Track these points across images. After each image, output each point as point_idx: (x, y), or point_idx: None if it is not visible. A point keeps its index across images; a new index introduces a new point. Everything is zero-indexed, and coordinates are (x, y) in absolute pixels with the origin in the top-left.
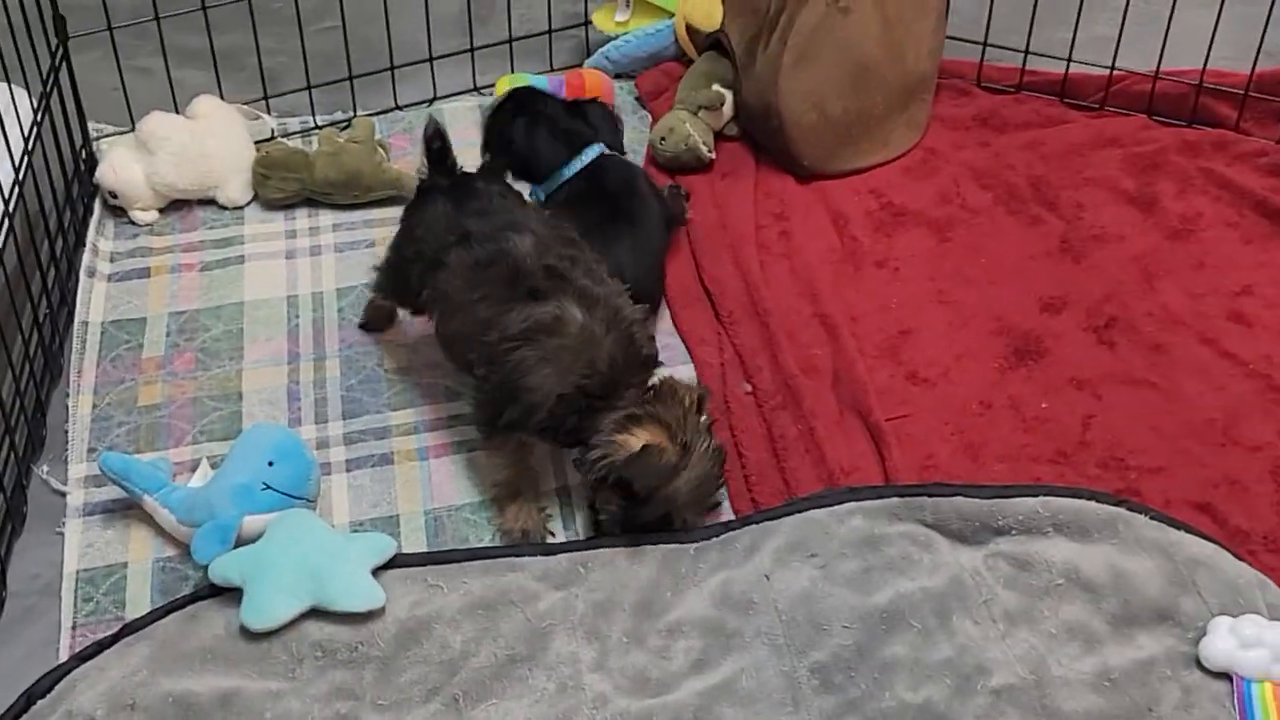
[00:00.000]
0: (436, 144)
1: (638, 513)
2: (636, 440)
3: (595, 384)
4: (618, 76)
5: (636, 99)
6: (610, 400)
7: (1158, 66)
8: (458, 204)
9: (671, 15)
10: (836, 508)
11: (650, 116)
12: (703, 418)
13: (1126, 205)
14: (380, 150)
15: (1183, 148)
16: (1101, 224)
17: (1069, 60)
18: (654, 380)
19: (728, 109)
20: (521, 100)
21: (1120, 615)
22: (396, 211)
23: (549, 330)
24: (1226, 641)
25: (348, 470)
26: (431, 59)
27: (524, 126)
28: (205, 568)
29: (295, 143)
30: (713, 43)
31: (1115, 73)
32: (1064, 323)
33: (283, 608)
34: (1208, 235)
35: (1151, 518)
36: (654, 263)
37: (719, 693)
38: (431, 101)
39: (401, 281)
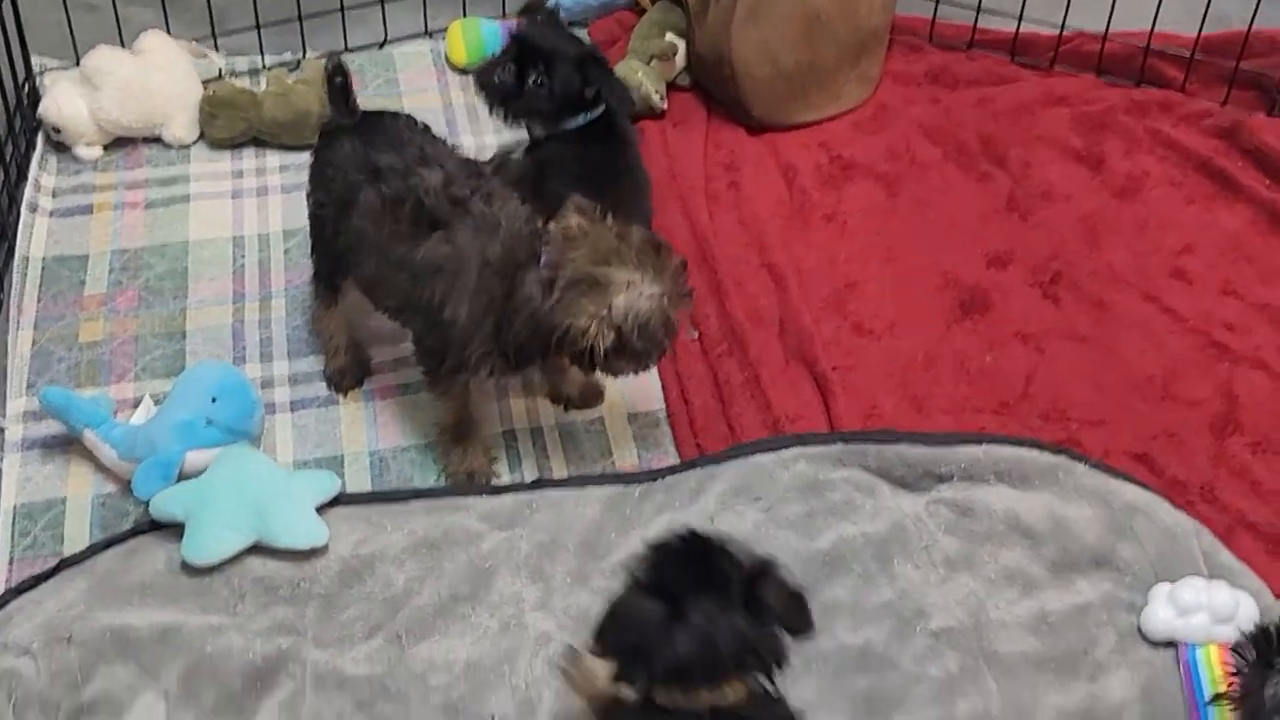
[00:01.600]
0: (339, 80)
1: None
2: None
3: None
4: (571, 24)
5: None
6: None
7: (1107, 27)
8: (366, 141)
9: None
10: (782, 452)
11: None
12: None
13: (1074, 163)
14: None
15: (1130, 108)
16: (1049, 181)
17: (1020, 19)
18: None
19: (680, 59)
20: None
21: (1059, 561)
22: None
23: (448, 262)
24: (1166, 611)
25: (292, 410)
26: (383, 1)
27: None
28: (146, 503)
29: (243, 83)
30: None
31: (1065, 33)
32: (1010, 278)
33: (225, 543)
34: (1153, 195)
35: (1091, 466)
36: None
37: None
38: (383, 44)
39: (322, 240)
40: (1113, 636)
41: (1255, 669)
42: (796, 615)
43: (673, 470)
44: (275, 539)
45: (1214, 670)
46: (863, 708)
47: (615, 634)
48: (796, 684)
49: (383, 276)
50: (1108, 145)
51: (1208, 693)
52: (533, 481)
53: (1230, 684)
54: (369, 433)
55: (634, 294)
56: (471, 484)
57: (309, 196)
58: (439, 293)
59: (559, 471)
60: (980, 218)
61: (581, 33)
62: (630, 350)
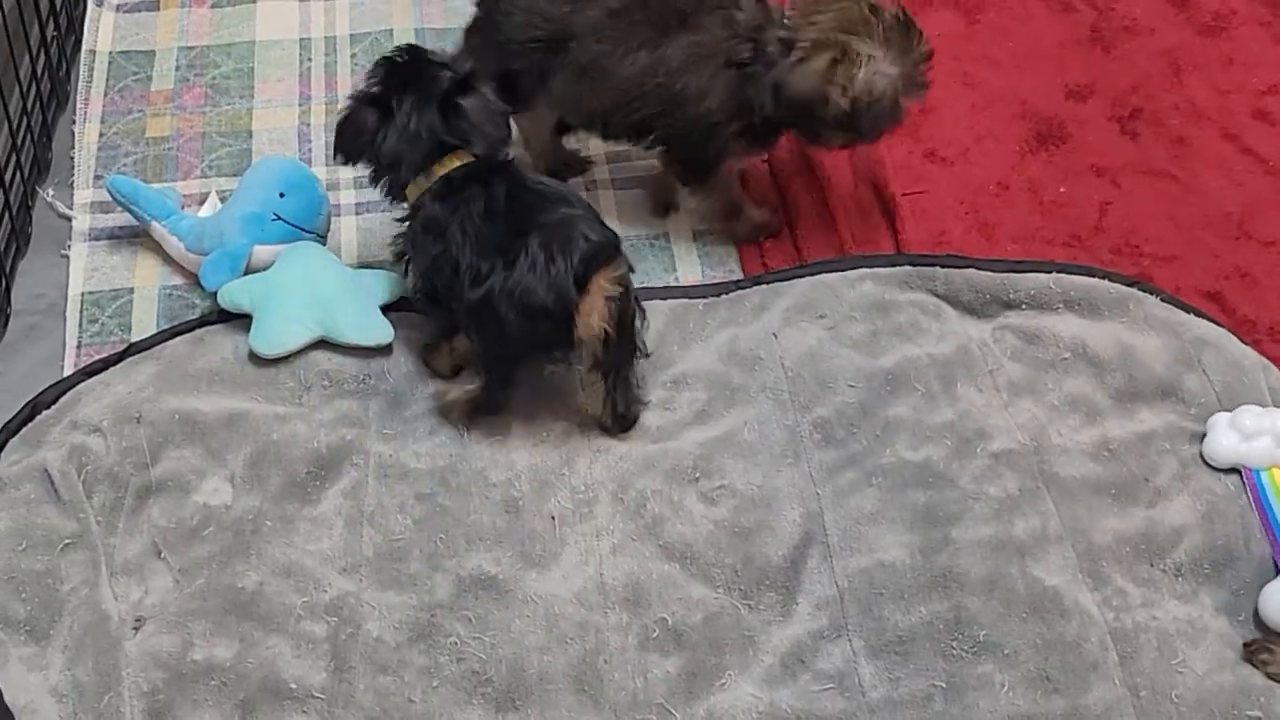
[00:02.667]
0: None
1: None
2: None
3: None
4: None
5: None
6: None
7: None
8: None
9: None
10: (848, 273)
11: None
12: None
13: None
14: None
15: None
16: (1133, 15)
17: None
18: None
19: None
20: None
21: (1124, 390)
22: None
23: (699, 49)
24: (1229, 437)
25: (357, 214)
26: None
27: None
28: (213, 295)
29: None
30: None
31: None
32: (1088, 110)
33: (292, 336)
34: (1239, 32)
35: (1163, 299)
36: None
37: (720, 443)
38: None
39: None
40: (1174, 464)
41: None
42: (491, 124)
43: (738, 285)
44: (341, 335)
45: None
46: (921, 521)
47: (341, 141)
48: (857, 494)
49: (628, 90)
50: None
51: (1278, 510)
52: None
53: None
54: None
55: (871, 70)
56: None
57: (488, 57)
58: (693, 84)
59: None
60: (1061, 48)
61: None
62: (854, 125)
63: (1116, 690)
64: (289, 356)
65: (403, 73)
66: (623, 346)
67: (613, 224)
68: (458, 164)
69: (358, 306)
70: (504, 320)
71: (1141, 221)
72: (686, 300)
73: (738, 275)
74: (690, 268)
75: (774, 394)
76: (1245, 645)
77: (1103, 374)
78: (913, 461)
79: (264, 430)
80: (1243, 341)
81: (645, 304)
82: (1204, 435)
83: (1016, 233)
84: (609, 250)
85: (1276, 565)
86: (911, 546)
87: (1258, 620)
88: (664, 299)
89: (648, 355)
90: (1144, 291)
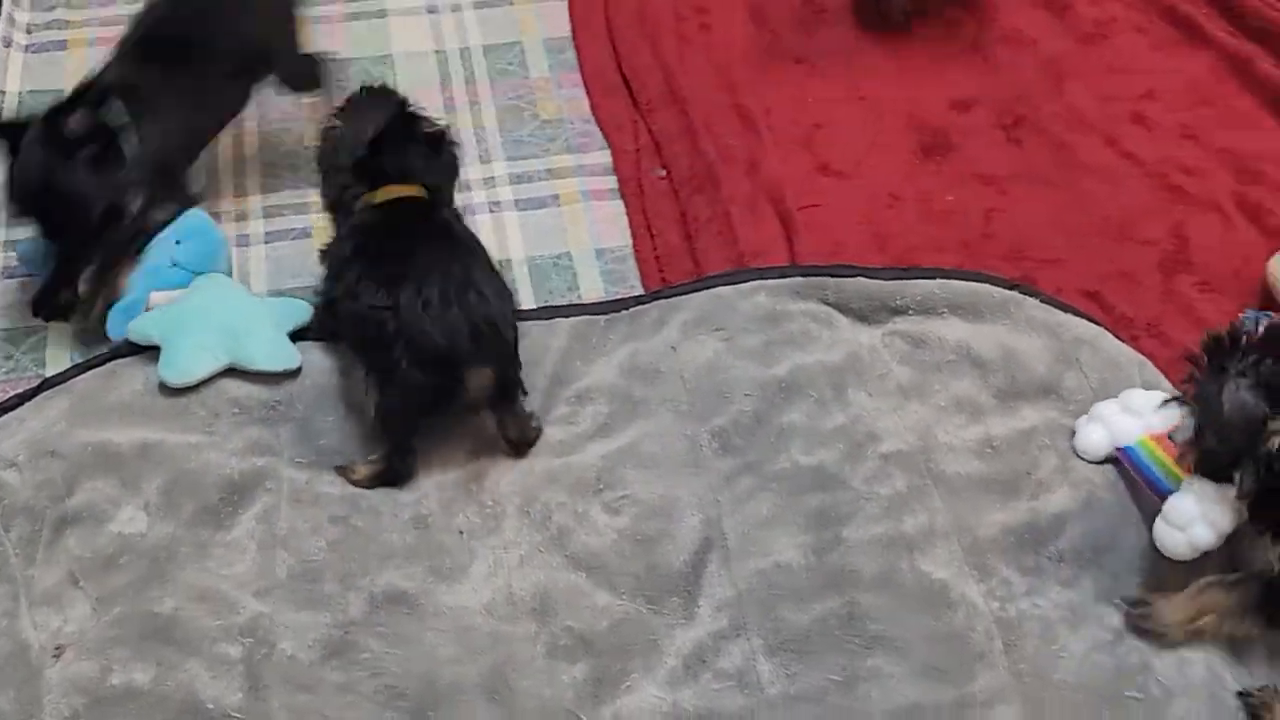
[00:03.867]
0: None
1: None
2: None
3: None
4: None
5: None
6: None
7: None
8: None
9: None
10: (742, 285)
11: None
12: None
13: (1040, 8)
14: None
15: None
16: (1015, 25)
17: None
18: None
19: None
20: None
21: (1006, 389)
22: None
23: None
24: (1096, 431)
25: (267, 242)
26: None
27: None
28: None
29: None
30: None
31: None
32: (974, 120)
33: (200, 363)
34: (1118, 40)
35: (1042, 301)
36: None
37: (622, 455)
38: None
39: None
40: (1055, 458)
41: (1209, 373)
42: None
43: (638, 300)
44: (249, 362)
45: (1155, 452)
46: (815, 522)
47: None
48: (753, 500)
49: None
50: None
51: (1159, 473)
52: None
53: (1183, 390)
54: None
55: None
56: None
57: None
58: None
59: (527, 304)
60: (945, 60)
61: None
62: None
63: (1002, 677)
64: (198, 385)
65: (368, 100)
66: (504, 394)
67: (516, 245)
68: (395, 196)
69: (265, 333)
70: (397, 366)
71: (1026, 226)
72: (589, 317)
73: (638, 291)
74: (592, 285)
75: (674, 406)
76: (1243, 696)
77: (986, 375)
78: (807, 466)
79: (177, 459)
80: (1120, 339)
81: (549, 322)
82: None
83: (908, 242)
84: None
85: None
86: (806, 547)
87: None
88: (567, 317)
89: (525, 394)
90: (1025, 294)
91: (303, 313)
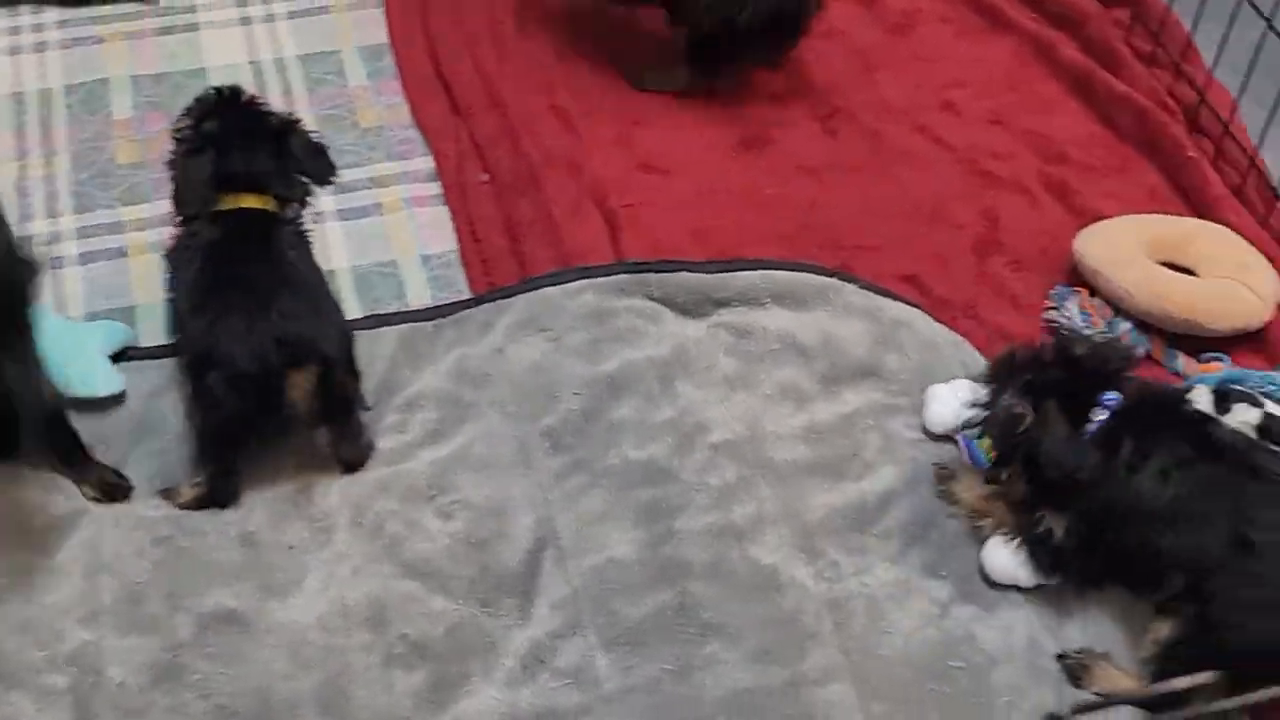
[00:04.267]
0: None
1: None
2: None
3: None
4: None
5: None
6: None
7: None
8: None
9: None
10: (568, 285)
11: None
12: None
13: (850, 2)
14: None
15: None
16: (826, 20)
17: None
18: None
19: None
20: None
21: (829, 375)
22: (125, 8)
23: None
24: (949, 405)
25: (82, 264)
26: None
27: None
28: None
29: None
30: None
31: None
32: (791, 113)
33: None
34: (924, 30)
35: (861, 286)
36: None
37: (453, 460)
38: None
39: None
40: (879, 439)
41: (994, 390)
42: (316, 161)
43: (464, 305)
44: (72, 389)
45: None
46: (646, 516)
47: (183, 183)
48: (585, 497)
49: None
50: None
51: None
52: None
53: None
54: (161, 283)
55: None
56: None
57: None
58: None
59: (354, 313)
60: None
61: None
62: None
63: (832, 655)
64: None
65: (220, 109)
66: (335, 410)
67: (340, 255)
68: (242, 205)
69: (83, 359)
70: (210, 387)
71: (844, 215)
72: (416, 324)
73: (465, 295)
74: (419, 292)
75: (503, 408)
76: (1062, 659)
77: (809, 361)
78: (637, 460)
79: None
80: (937, 320)
81: (376, 331)
82: (905, 409)
83: (730, 235)
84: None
85: None
86: (638, 541)
87: (971, 576)
88: (394, 324)
89: (368, 408)
90: (843, 280)
91: (123, 335)
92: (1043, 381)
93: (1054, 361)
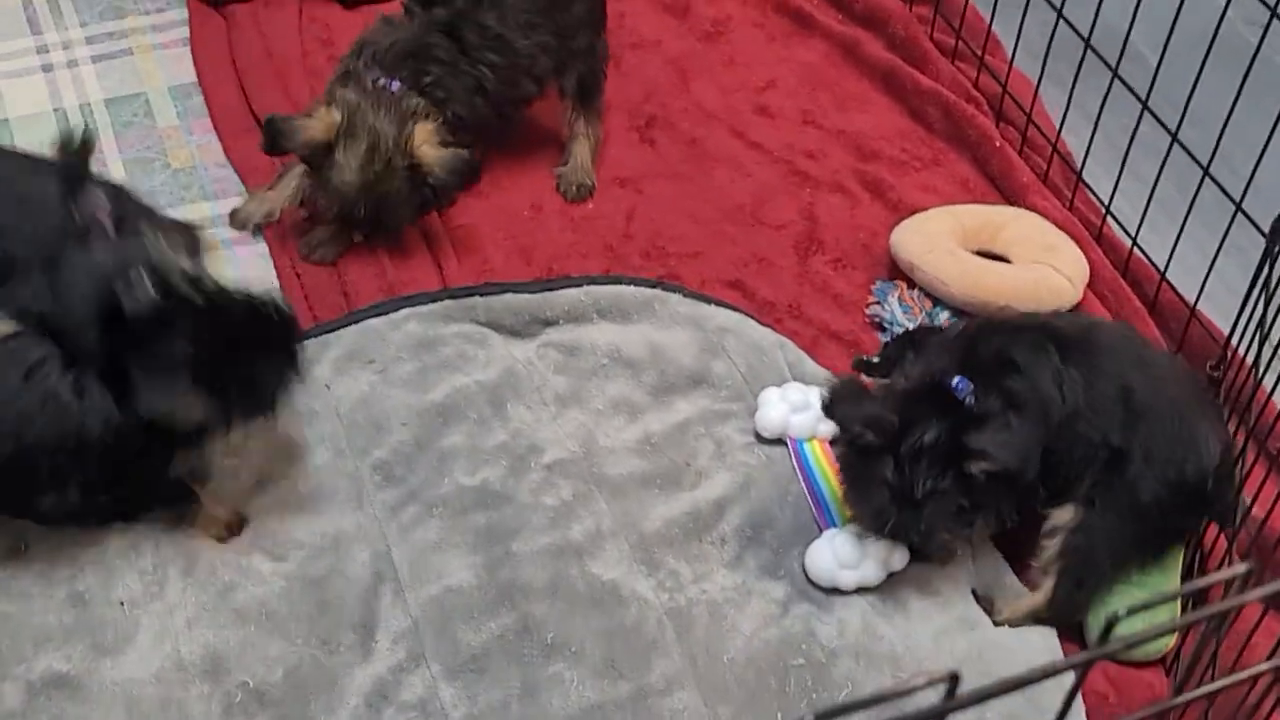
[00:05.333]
0: None
1: None
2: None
3: None
4: None
5: None
6: None
7: None
8: None
9: None
10: (393, 315)
11: None
12: None
13: (663, 13)
14: None
15: None
16: (640, 31)
17: None
18: None
19: None
20: None
21: (659, 385)
22: None
23: None
24: (778, 409)
25: None
26: None
27: None
28: None
29: None
30: None
31: None
32: (608, 124)
33: None
34: (736, 36)
35: (685, 295)
36: None
37: (282, 501)
38: None
39: None
40: (711, 445)
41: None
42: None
43: None
44: None
45: (819, 458)
46: (484, 541)
47: None
48: (420, 527)
49: None
50: None
51: (819, 478)
52: None
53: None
54: None
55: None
56: None
57: None
58: None
59: None
60: None
61: None
62: None
63: (677, 664)
64: None
65: None
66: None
67: None
68: None
69: None
70: None
71: (666, 223)
72: None
73: None
74: None
75: (332, 443)
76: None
77: (638, 374)
78: (470, 486)
79: None
80: (762, 323)
81: None
82: (739, 413)
83: (553, 251)
84: None
85: (818, 525)
86: (476, 567)
87: (804, 576)
88: None
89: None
90: (667, 290)
91: None
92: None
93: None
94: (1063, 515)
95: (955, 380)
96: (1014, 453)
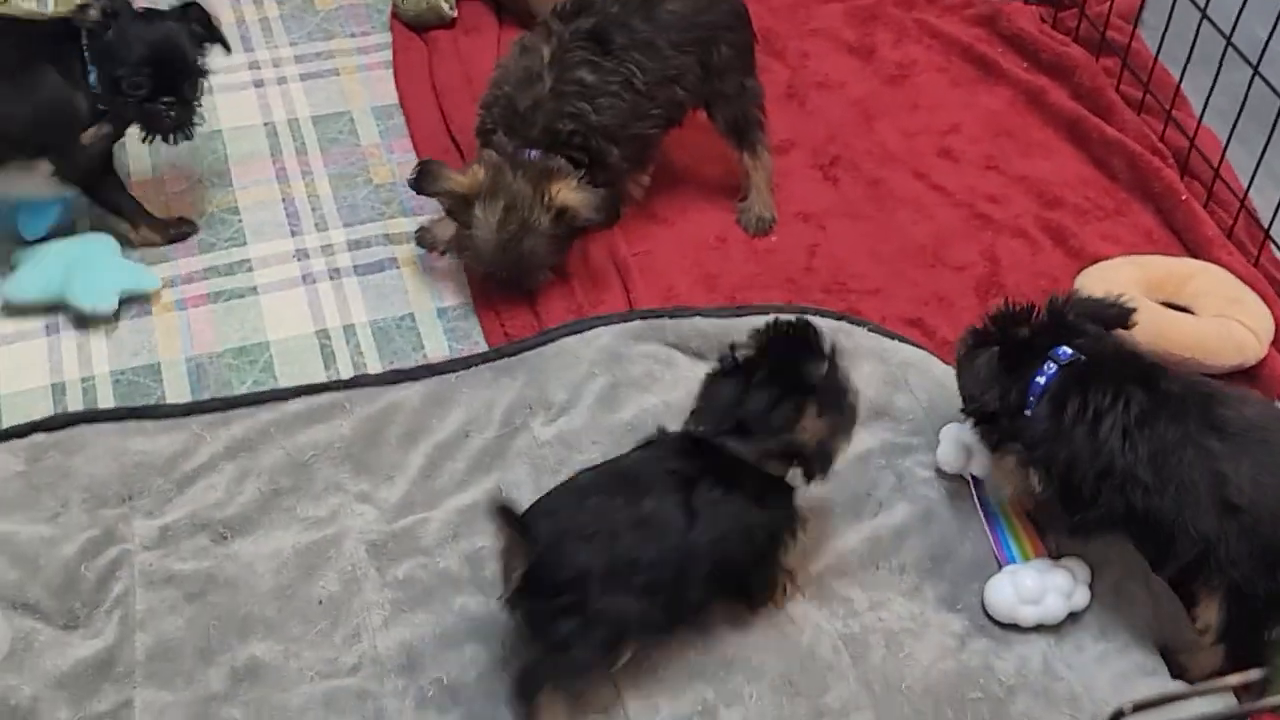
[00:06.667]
0: None
1: None
2: None
3: None
4: None
5: None
6: None
7: None
8: None
9: None
10: (586, 334)
11: None
12: None
13: (847, 54)
14: None
15: (898, 1)
16: (824, 71)
17: None
18: None
19: None
20: None
21: None
22: None
23: None
24: (960, 446)
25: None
26: None
27: None
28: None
29: None
30: None
31: None
32: (792, 161)
33: (32, 289)
34: (920, 80)
35: (870, 330)
36: None
37: (479, 509)
38: None
39: None
40: (892, 478)
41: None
42: None
43: (483, 358)
44: (73, 298)
45: (1013, 523)
46: None
47: None
48: None
49: None
50: (878, 36)
51: (999, 515)
52: (349, 379)
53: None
54: (184, 339)
55: None
56: (289, 388)
57: None
58: None
59: (373, 367)
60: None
61: None
62: None
63: (853, 688)
64: (50, 476)
65: None
66: None
67: (359, 310)
68: None
69: (95, 277)
70: None
71: (847, 259)
72: (439, 376)
73: (483, 347)
74: (437, 344)
75: (530, 458)
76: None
77: None
78: None
79: (30, 555)
80: (943, 361)
81: (399, 386)
82: (918, 448)
83: (737, 280)
84: None
85: (998, 561)
86: None
87: (982, 610)
88: (415, 379)
89: None
90: (852, 324)
91: (146, 282)
92: (992, 330)
93: (1035, 318)
94: (1207, 614)
95: (1062, 349)
96: (974, 384)
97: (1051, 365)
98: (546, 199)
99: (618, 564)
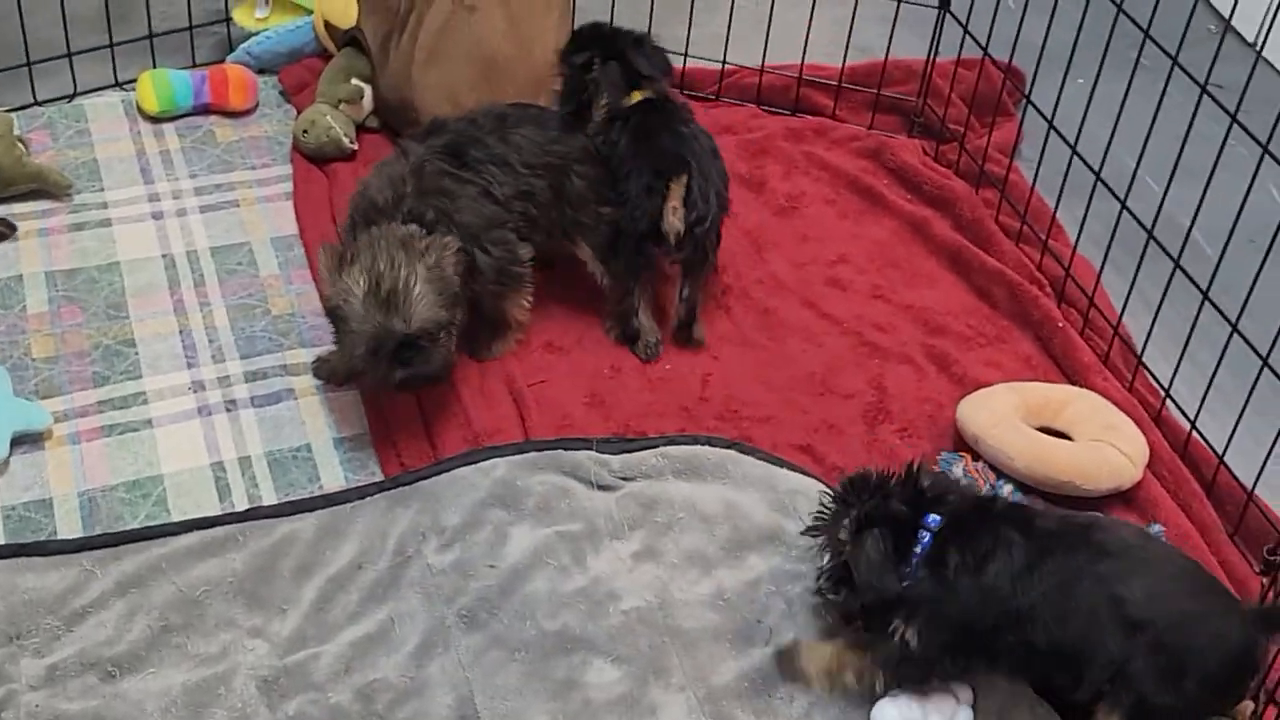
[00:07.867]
0: None
1: None
2: None
3: None
4: (260, 72)
5: (280, 93)
6: None
7: (763, 61)
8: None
9: (310, 12)
10: (482, 464)
11: (294, 110)
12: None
13: (740, 186)
14: (20, 145)
15: (787, 134)
16: None
17: (685, 55)
18: None
19: (367, 102)
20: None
21: (732, 540)
22: (37, 205)
23: None
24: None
25: None
26: (70, 55)
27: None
28: None
29: None
30: (350, 39)
31: (727, 67)
32: None
33: None
34: (809, 211)
35: (758, 458)
36: None
37: (371, 641)
38: (72, 97)
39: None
40: (780, 604)
41: (836, 511)
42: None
43: (379, 487)
44: None
45: None
46: (562, 688)
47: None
48: (502, 671)
49: None
50: (769, 168)
51: None
52: (243, 511)
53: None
54: (76, 473)
55: None
56: (181, 522)
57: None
58: None
59: (269, 499)
60: None
61: (272, 79)
62: None
63: None
64: None
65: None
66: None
67: (255, 441)
68: None
69: None
70: None
71: (739, 387)
72: (334, 507)
73: (379, 477)
74: (333, 475)
75: (421, 588)
76: None
77: (712, 527)
78: (551, 630)
79: None
80: (831, 488)
81: (294, 518)
82: (806, 575)
83: (632, 409)
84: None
85: None
86: (555, 713)
87: None
88: (311, 510)
89: None
90: (741, 452)
91: (39, 420)
92: (872, 511)
93: (890, 491)
94: None
95: (929, 517)
96: (872, 571)
97: (924, 534)
98: (419, 246)
99: None
